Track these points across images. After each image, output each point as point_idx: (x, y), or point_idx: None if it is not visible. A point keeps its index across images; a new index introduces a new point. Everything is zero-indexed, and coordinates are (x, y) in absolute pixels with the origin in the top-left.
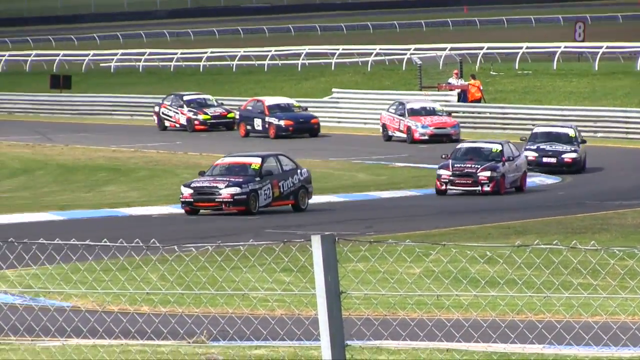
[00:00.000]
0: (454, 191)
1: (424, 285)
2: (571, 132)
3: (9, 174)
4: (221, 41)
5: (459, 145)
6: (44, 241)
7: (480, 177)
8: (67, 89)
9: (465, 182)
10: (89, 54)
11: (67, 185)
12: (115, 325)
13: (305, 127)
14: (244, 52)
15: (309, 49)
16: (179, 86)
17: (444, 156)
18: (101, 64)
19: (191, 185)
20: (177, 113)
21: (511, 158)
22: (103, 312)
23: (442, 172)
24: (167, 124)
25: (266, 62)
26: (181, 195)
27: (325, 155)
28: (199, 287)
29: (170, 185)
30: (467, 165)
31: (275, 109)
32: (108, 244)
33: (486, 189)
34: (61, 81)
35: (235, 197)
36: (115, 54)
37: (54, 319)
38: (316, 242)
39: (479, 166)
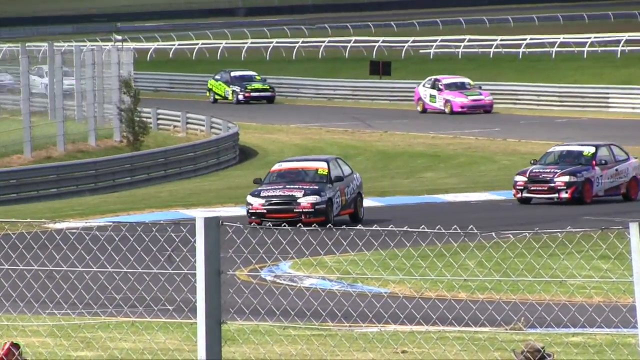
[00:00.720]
0: (536, 199)
1: None
2: None
3: None
4: (540, 27)
5: (551, 149)
6: (362, 227)
7: (557, 183)
8: (387, 76)
9: (540, 188)
10: (409, 41)
11: (386, 172)
12: (432, 312)
13: None
14: (564, 38)
15: (628, 36)
16: (497, 73)
17: (532, 161)
18: (420, 51)
19: (261, 195)
20: None
21: (604, 162)
22: (420, 298)
23: (518, 178)
24: None
25: (585, 49)
26: (250, 206)
27: None
28: (516, 274)
29: (489, 172)
30: (547, 170)
31: None
32: (426, 230)
33: (564, 195)
34: (381, 67)
35: (316, 206)
36: (435, 41)
37: (372, 305)
38: (634, 230)
39: (558, 171)
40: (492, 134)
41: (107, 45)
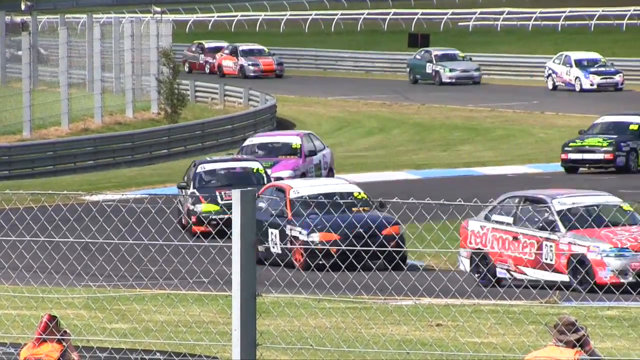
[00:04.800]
0: None
1: None
2: None
3: (366, 133)
4: (579, 0)
5: None
6: (398, 200)
7: None
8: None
9: None
10: (447, 13)
11: (423, 144)
12: (467, 285)
13: None
14: (603, 11)
15: None
16: (537, 47)
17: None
18: (459, 23)
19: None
20: None
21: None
22: (456, 271)
23: None
24: None
25: (624, 22)
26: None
27: None
28: None
29: (526, 145)
30: None
31: None
32: (462, 203)
33: None
34: (419, 40)
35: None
36: (474, 13)
37: (407, 278)
38: None
39: None
40: (530, 107)
41: (146, 17)
